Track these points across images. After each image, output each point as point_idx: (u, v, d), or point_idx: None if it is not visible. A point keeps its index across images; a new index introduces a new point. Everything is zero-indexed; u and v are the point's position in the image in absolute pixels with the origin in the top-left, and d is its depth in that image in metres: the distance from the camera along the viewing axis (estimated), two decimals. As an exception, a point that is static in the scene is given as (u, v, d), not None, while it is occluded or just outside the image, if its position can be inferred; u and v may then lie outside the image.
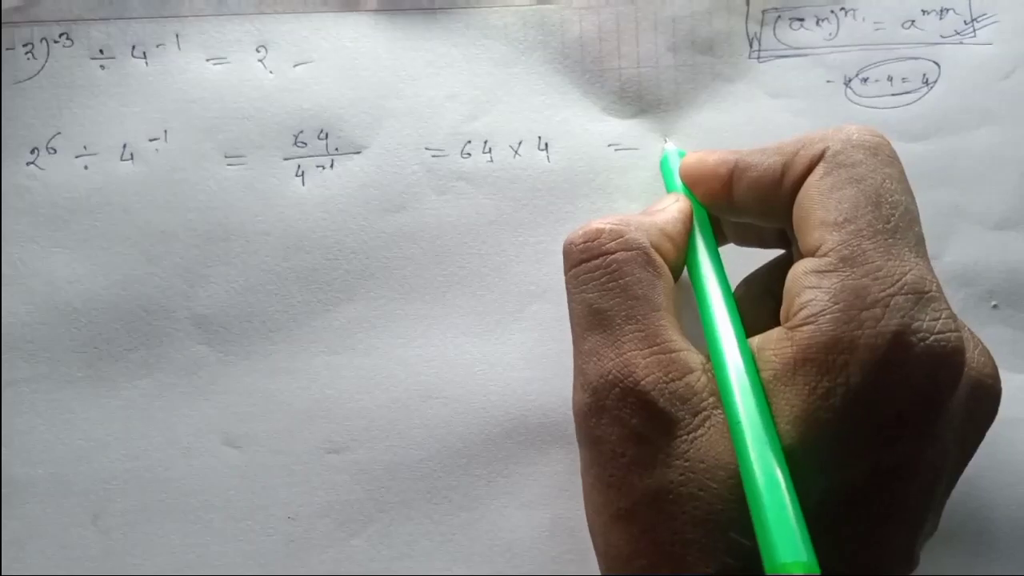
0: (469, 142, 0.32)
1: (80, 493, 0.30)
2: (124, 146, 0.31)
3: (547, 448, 0.31)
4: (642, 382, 0.22)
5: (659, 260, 0.24)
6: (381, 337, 0.31)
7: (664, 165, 0.29)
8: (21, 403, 0.31)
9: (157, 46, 0.31)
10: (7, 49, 0.31)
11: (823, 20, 0.32)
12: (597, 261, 0.24)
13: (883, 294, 0.21)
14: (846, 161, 0.23)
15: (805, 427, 0.21)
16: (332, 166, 0.31)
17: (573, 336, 0.24)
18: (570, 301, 0.24)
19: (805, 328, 0.21)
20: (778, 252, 0.28)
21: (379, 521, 0.30)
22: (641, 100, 0.32)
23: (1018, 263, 0.31)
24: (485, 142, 0.32)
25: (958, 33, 0.32)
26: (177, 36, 0.31)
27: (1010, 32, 0.32)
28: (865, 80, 0.32)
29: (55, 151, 0.31)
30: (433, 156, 0.31)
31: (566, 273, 0.25)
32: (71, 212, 0.31)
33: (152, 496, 0.30)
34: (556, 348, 0.31)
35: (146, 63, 0.31)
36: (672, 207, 0.26)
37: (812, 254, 0.22)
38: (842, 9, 0.32)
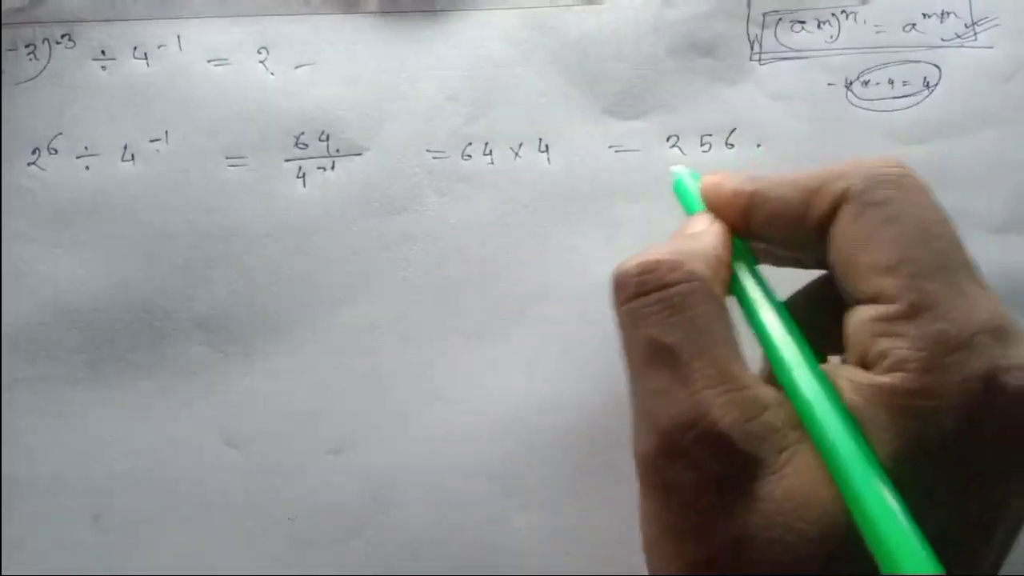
0: (470, 144, 0.32)
1: (81, 493, 0.31)
2: (125, 147, 0.31)
3: (547, 450, 0.31)
4: (719, 423, 0.21)
5: (719, 290, 0.23)
6: (381, 338, 0.31)
7: (679, 188, 0.27)
8: (22, 403, 0.31)
9: (159, 47, 0.31)
10: (8, 50, 0.31)
11: (824, 23, 0.32)
12: (659, 294, 0.22)
13: (963, 336, 0.20)
14: (875, 199, 0.22)
15: (896, 474, 0.20)
16: (333, 167, 0.31)
17: (631, 373, 0.23)
18: (626, 337, 0.23)
19: (891, 376, 0.20)
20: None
21: (379, 522, 0.30)
22: (642, 102, 0.32)
23: (1019, 266, 0.31)
24: (486, 144, 0.32)
25: (959, 36, 0.32)
26: (179, 37, 0.31)
27: (1011, 35, 0.32)
28: (866, 83, 0.32)
29: (56, 151, 0.31)
30: (434, 158, 0.31)
31: (620, 306, 0.23)
32: (72, 213, 0.31)
33: (153, 496, 0.31)
34: (556, 350, 0.31)
35: (147, 64, 0.31)
36: (710, 230, 0.25)
37: (872, 301, 0.21)
38: (843, 12, 0.32)
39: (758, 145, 0.32)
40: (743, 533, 0.20)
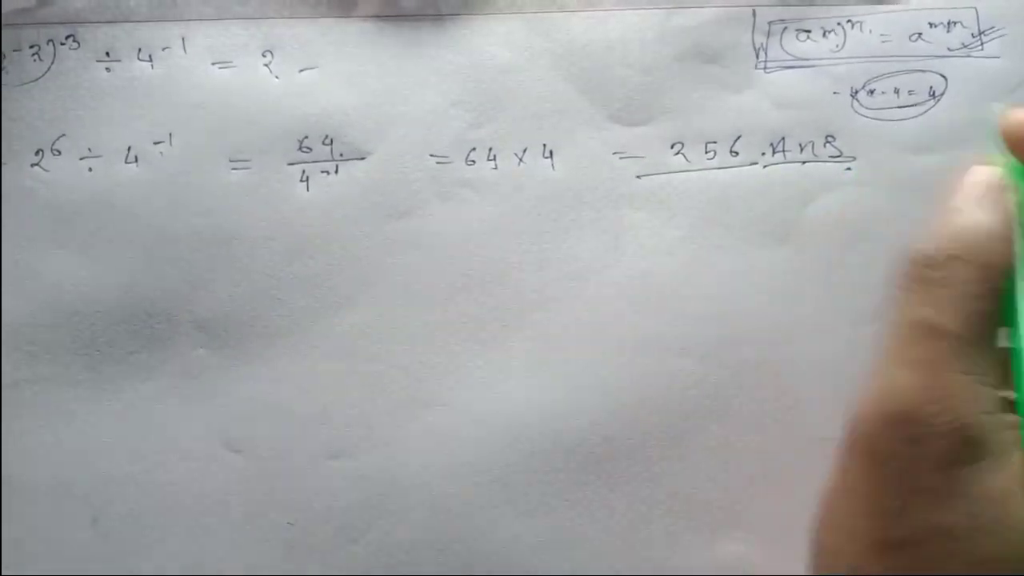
0: (474, 149, 0.31)
1: (80, 495, 0.30)
2: (128, 149, 0.31)
3: (547, 457, 0.31)
4: (962, 408, 0.21)
5: (999, 282, 0.22)
6: (383, 343, 0.31)
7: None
8: (22, 404, 0.31)
9: (163, 49, 0.31)
10: (13, 51, 0.31)
11: (830, 32, 0.32)
12: (945, 275, 0.22)
13: None
14: None
15: None
16: (336, 172, 0.31)
17: (891, 338, 0.23)
18: (902, 306, 0.23)
19: None
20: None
21: (378, 528, 0.30)
22: (647, 108, 0.32)
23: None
24: (490, 149, 0.31)
25: (965, 46, 0.32)
26: (183, 39, 0.31)
27: (1017, 46, 0.32)
28: (872, 92, 0.32)
29: (60, 153, 0.31)
30: (438, 163, 0.31)
31: (904, 276, 0.23)
32: (75, 214, 0.31)
33: (152, 499, 0.31)
34: (557, 357, 0.31)
35: (152, 66, 0.31)
36: (995, 204, 0.23)
37: None
38: (848, 21, 0.32)
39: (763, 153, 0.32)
40: (949, 521, 0.20)
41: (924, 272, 0.22)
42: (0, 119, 0.31)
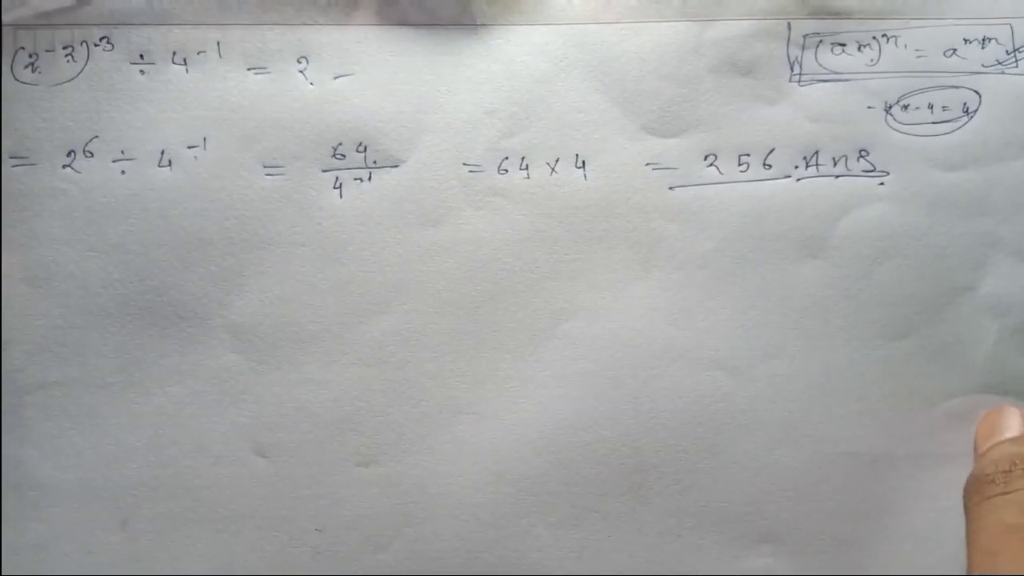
0: (506, 158, 0.31)
1: (108, 498, 0.31)
2: (162, 152, 0.31)
3: (577, 467, 0.31)
4: None
5: None
6: (413, 350, 0.31)
7: None
8: (52, 406, 0.31)
9: (198, 53, 0.31)
10: (46, 51, 0.31)
11: (864, 46, 0.32)
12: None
13: None
14: None
15: None
16: (370, 179, 0.31)
17: (979, 553, 0.27)
18: (981, 519, 0.28)
19: None
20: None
21: (406, 536, 0.30)
22: (681, 120, 0.31)
23: (1054, 295, 0.31)
24: (522, 158, 0.31)
25: (1000, 63, 0.32)
26: (218, 44, 0.31)
27: (1052, 63, 0.32)
28: (906, 107, 0.32)
29: (92, 155, 0.31)
30: (470, 171, 0.31)
31: (976, 496, 0.28)
32: (106, 216, 0.31)
33: (180, 503, 0.31)
34: (588, 367, 0.31)
35: (186, 70, 0.31)
36: None
37: None
38: (884, 35, 0.32)
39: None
40: None
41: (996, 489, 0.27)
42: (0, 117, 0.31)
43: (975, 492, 0.28)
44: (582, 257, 0.31)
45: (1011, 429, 0.30)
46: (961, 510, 0.29)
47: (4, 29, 0.31)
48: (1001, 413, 0.30)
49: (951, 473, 0.30)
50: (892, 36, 0.32)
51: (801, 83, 0.32)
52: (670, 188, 0.31)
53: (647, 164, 0.32)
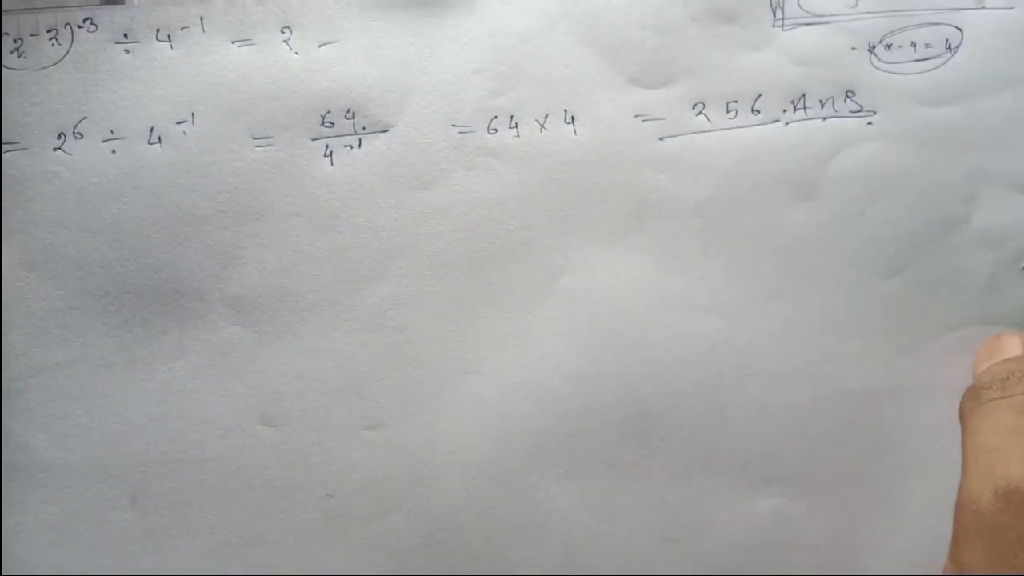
0: (495, 117, 0.32)
1: (117, 476, 0.31)
2: (151, 129, 0.31)
3: (581, 419, 0.31)
4: None
5: None
6: (413, 313, 0.31)
7: None
8: (56, 388, 0.31)
9: (181, 29, 0.31)
10: (31, 35, 0.31)
11: (845, -13, 0.32)
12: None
13: None
14: None
15: None
16: (360, 145, 0.31)
17: (976, 452, 0.27)
18: (979, 421, 0.27)
19: None
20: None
21: (416, 496, 0.31)
22: (667, 70, 0.32)
23: (1045, 225, 0.31)
24: (511, 117, 0.32)
25: (980, -3, 0.32)
26: (201, 19, 0.31)
27: (1032, -5, 0.32)
28: (889, 46, 0.32)
29: (82, 136, 0.31)
30: (460, 132, 0.31)
31: (973, 403, 0.28)
32: (100, 197, 0.31)
33: (190, 477, 0.31)
34: (587, 320, 0.31)
35: (171, 46, 0.31)
36: None
37: None
38: (864, -24, 0.32)
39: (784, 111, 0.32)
40: None
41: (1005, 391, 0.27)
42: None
43: (972, 399, 0.28)
44: (576, 212, 0.31)
45: (1010, 352, 0.30)
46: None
47: (-14, 14, 0.31)
48: (1000, 338, 0.30)
49: (952, 405, 0.30)
50: (872, -24, 0.32)
51: (784, 27, 0.32)
52: (660, 139, 0.32)
53: (636, 116, 0.32)
